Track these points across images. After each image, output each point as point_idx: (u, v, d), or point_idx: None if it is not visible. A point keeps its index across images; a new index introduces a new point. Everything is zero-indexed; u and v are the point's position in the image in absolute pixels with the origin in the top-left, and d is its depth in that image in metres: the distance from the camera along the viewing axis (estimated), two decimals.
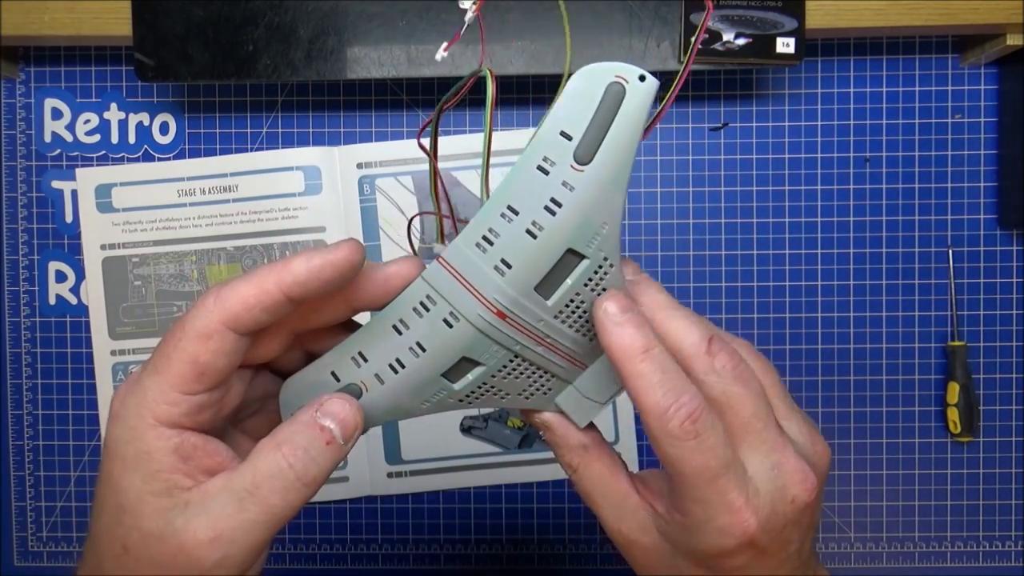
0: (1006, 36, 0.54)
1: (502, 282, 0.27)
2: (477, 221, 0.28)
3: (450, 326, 0.28)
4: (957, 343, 0.59)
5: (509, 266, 0.27)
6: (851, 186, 0.60)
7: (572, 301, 0.29)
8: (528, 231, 0.27)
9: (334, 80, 0.60)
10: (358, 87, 0.60)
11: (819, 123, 0.60)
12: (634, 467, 0.61)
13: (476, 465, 0.61)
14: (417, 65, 0.53)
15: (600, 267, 0.28)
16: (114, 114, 0.61)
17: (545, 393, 0.31)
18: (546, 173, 0.27)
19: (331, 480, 0.60)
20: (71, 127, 0.61)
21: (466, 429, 0.61)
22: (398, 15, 0.53)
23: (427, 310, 0.29)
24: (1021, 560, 0.60)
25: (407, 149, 0.60)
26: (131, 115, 0.61)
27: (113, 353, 0.61)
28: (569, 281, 0.28)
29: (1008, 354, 0.60)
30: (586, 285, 0.28)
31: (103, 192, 0.60)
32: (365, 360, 0.29)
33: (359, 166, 0.60)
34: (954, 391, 0.58)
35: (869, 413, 0.60)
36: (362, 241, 0.60)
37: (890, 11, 0.53)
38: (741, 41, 0.52)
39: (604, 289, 0.29)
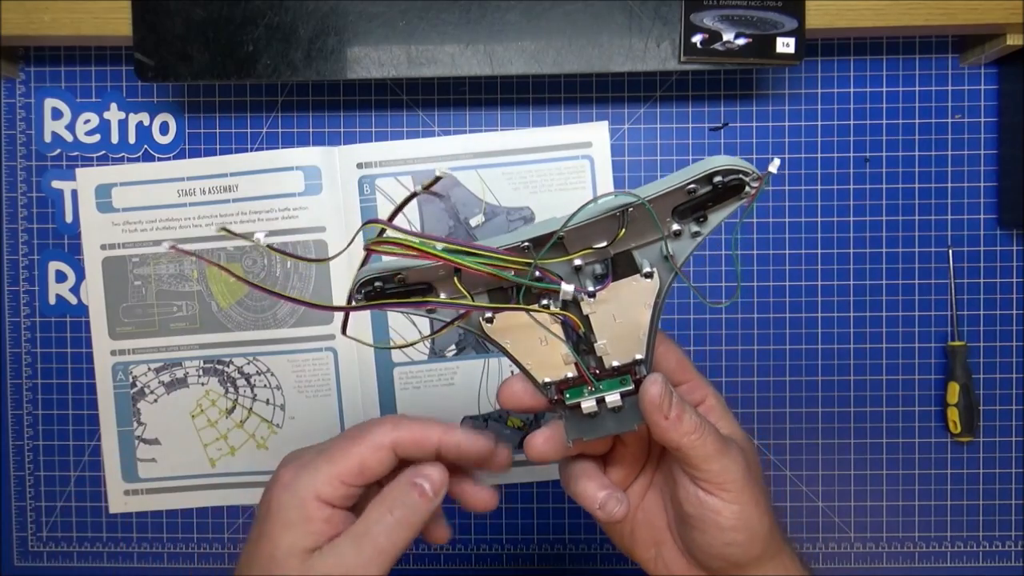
0: (1006, 36, 0.54)
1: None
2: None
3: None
4: (957, 343, 0.59)
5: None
6: (851, 186, 0.60)
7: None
8: None
9: (334, 80, 0.60)
10: (358, 87, 0.60)
11: (819, 123, 0.60)
12: None
13: None
14: (417, 65, 0.53)
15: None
16: (114, 114, 0.61)
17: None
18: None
19: None
20: (71, 127, 0.61)
21: None
22: (398, 15, 0.53)
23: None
24: (1021, 560, 0.60)
25: (407, 149, 0.60)
26: (131, 115, 0.61)
27: (113, 353, 0.61)
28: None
29: (1008, 354, 0.60)
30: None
31: (103, 192, 0.60)
32: None
33: (359, 166, 0.60)
34: (954, 391, 0.58)
35: (869, 413, 0.60)
36: (362, 241, 0.60)
37: (890, 11, 0.53)
38: (741, 41, 0.52)
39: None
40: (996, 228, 0.60)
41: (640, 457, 0.39)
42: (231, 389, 0.61)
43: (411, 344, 0.39)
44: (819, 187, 0.60)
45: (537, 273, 0.33)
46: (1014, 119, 0.57)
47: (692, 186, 0.32)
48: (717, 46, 0.52)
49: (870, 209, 0.60)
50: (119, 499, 0.62)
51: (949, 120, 0.60)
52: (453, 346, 0.60)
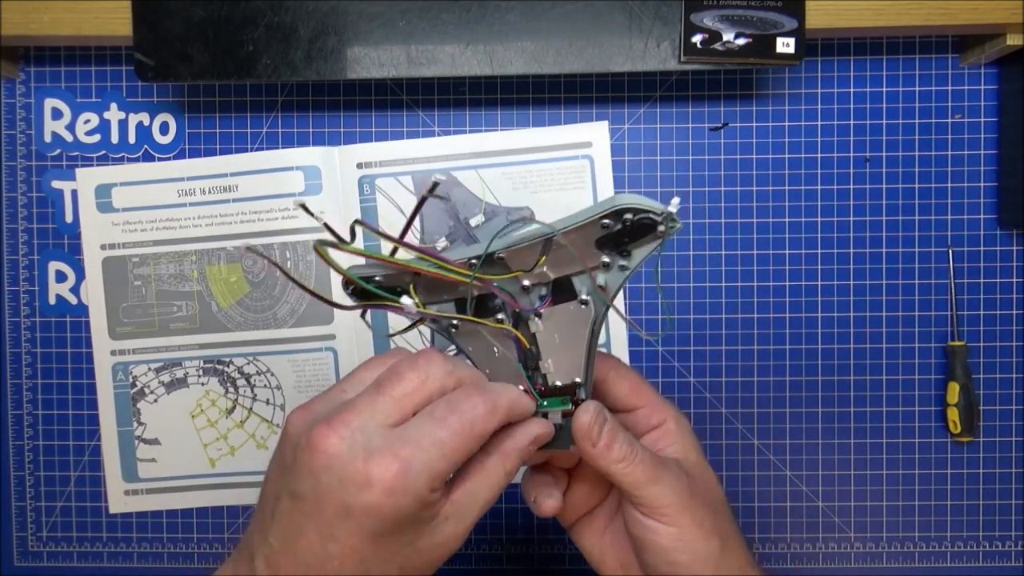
0: (1006, 36, 0.54)
1: None
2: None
3: None
4: (957, 343, 0.59)
5: None
6: (851, 186, 0.60)
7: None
8: None
9: (334, 80, 0.60)
10: (358, 87, 0.60)
11: (819, 123, 0.60)
12: None
13: None
14: (417, 65, 0.53)
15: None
16: (114, 114, 0.61)
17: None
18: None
19: None
20: (71, 127, 0.61)
21: None
22: (398, 15, 0.53)
23: None
24: (1021, 560, 0.60)
25: (407, 149, 0.60)
26: (131, 115, 0.61)
27: (113, 353, 0.61)
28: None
29: (1008, 354, 0.60)
30: None
31: (103, 192, 0.60)
32: None
33: (359, 166, 0.60)
34: (954, 391, 0.58)
35: (869, 413, 0.60)
36: (362, 240, 0.60)
37: (890, 11, 0.53)
38: (741, 41, 0.52)
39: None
40: (996, 228, 0.60)
41: (605, 480, 0.39)
42: (231, 389, 0.61)
43: (402, 332, 0.39)
44: (819, 187, 0.60)
45: (495, 288, 0.34)
46: (1014, 119, 0.57)
47: (606, 221, 0.33)
48: (717, 46, 0.52)
49: (870, 209, 0.60)
50: (119, 499, 0.62)
51: (949, 120, 0.60)
52: (453, 346, 0.60)
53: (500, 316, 0.35)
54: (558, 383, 0.36)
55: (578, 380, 0.35)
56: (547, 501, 0.37)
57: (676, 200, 0.32)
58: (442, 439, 0.31)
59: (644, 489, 0.35)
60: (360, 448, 0.31)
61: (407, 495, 0.31)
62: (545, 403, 0.35)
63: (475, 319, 0.34)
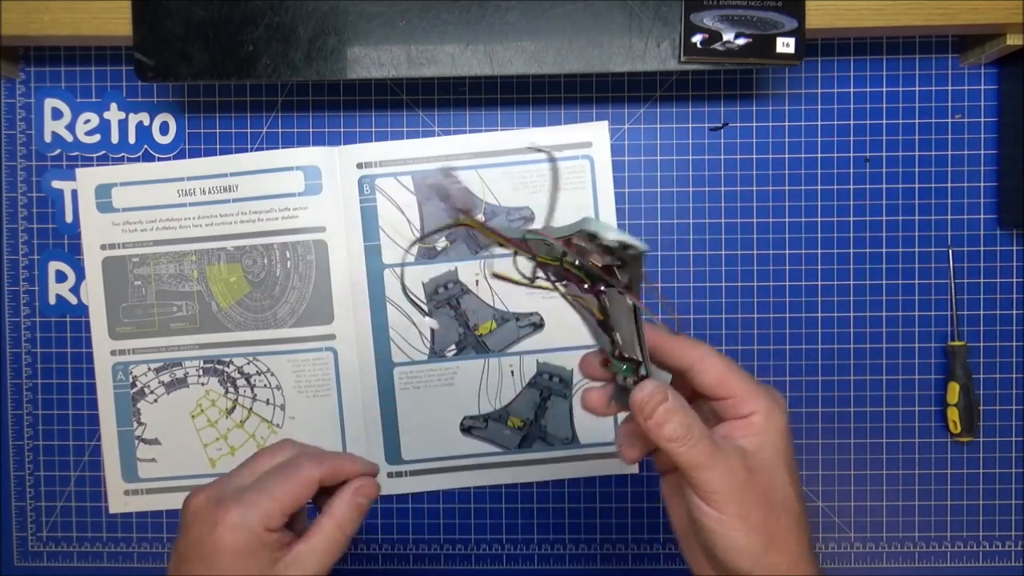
0: (1006, 36, 0.54)
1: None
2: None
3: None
4: (957, 343, 0.59)
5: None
6: (851, 186, 0.60)
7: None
8: None
9: (334, 80, 0.60)
10: (358, 87, 0.60)
11: (819, 123, 0.60)
12: (633, 468, 0.61)
13: (476, 465, 0.61)
14: (417, 65, 0.53)
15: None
16: (114, 114, 0.61)
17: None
18: None
19: None
20: (71, 127, 0.61)
21: (466, 429, 0.61)
22: (398, 15, 0.53)
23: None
24: (1021, 560, 0.60)
25: (407, 149, 0.60)
26: (131, 115, 0.61)
27: (113, 353, 0.61)
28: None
29: (1008, 354, 0.60)
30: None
31: (103, 192, 0.60)
32: None
33: (359, 166, 0.60)
34: (954, 391, 0.58)
35: (869, 413, 0.60)
36: (362, 241, 0.60)
37: (890, 11, 0.53)
38: (741, 41, 0.52)
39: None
40: (996, 228, 0.60)
41: None
42: (231, 389, 0.61)
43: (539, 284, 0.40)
44: (819, 187, 0.60)
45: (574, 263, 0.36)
46: (1014, 119, 0.57)
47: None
48: (717, 46, 0.52)
49: (870, 209, 0.60)
50: (119, 499, 0.62)
51: (949, 120, 0.60)
52: (453, 346, 0.60)
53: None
54: (626, 355, 0.38)
55: (637, 358, 0.37)
56: (627, 451, 0.41)
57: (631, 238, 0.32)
58: (272, 487, 0.41)
59: (696, 471, 0.36)
60: (215, 500, 0.41)
61: (244, 531, 0.40)
62: (623, 367, 0.37)
63: (563, 291, 0.37)
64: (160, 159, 0.61)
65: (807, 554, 0.39)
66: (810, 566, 0.39)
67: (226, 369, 0.61)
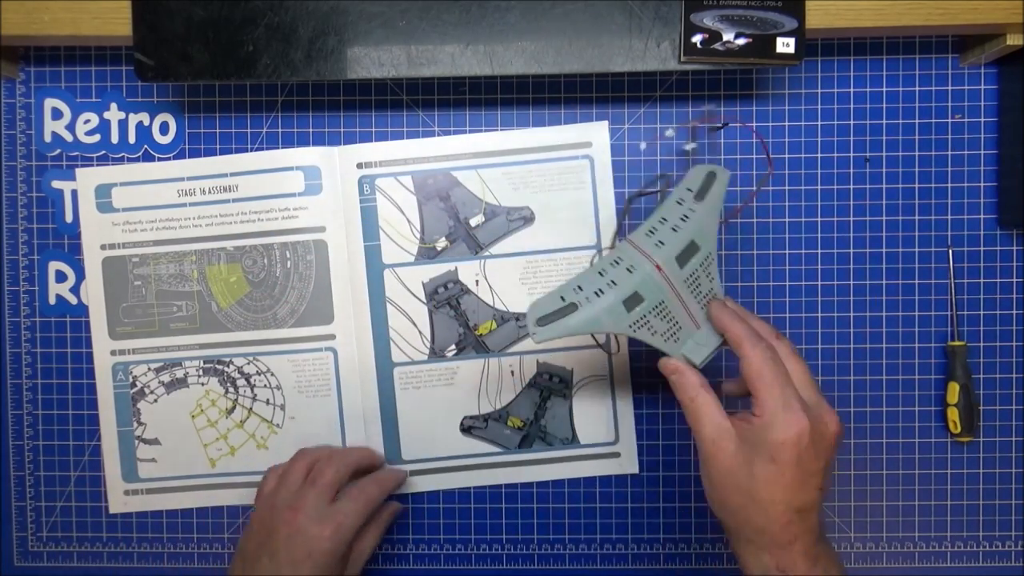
0: (1006, 36, 0.54)
1: (660, 251, 0.49)
2: (647, 222, 0.51)
3: (631, 272, 0.48)
4: (957, 343, 0.59)
5: (663, 244, 0.49)
6: (851, 186, 0.60)
7: (693, 275, 0.49)
8: (673, 228, 0.50)
9: (334, 80, 0.60)
10: (358, 87, 0.61)
11: (819, 123, 0.60)
12: (633, 467, 0.61)
13: (476, 465, 0.61)
14: (417, 65, 0.53)
15: (708, 255, 0.49)
16: (114, 114, 0.61)
17: (676, 340, 0.49)
18: (681, 204, 0.51)
19: None
20: (71, 127, 0.61)
21: (466, 429, 0.61)
22: (398, 15, 0.53)
23: (618, 263, 0.49)
24: (1021, 560, 0.60)
25: (407, 149, 0.60)
26: (131, 115, 0.61)
27: (113, 353, 0.61)
28: (693, 260, 0.49)
29: (1008, 354, 0.60)
30: (701, 266, 0.49)
31: (103, 192, 0.60)
32: (581, 289, 0.49)
33: (359, 166, 0.60)
34: (954, 391, 0.58)
35: (869, 413, 0.60)
36: (362, 241, 0.60)
37: (890, 11, 0.53)
38: (741, 41, 0.52)
39: (710, 273, 0.50)
40: (996, 228, 0.60)
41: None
42: (231, 389, 0.61)
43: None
44: (819, 187, 0.60)
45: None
46: (1014, 119, 0.57)
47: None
48: (717, 46, 0.52)
49: (870, 209, 0.60)
50: (119, 499, 0.62)
51: (949, 120, 0.60)
52: (453, 346, 0.60)
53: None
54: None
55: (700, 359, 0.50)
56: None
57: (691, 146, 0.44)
58: (356, 510, 0.54)
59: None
60: (315, 519, 0.52)
61: (342, 541, 0.52)
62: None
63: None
64: (160, 159, 0.61)
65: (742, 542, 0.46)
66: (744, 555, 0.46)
67: (226, 369, 0.61)
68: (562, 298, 0.48)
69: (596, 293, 0.48)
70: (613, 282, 0.48)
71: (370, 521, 0.56)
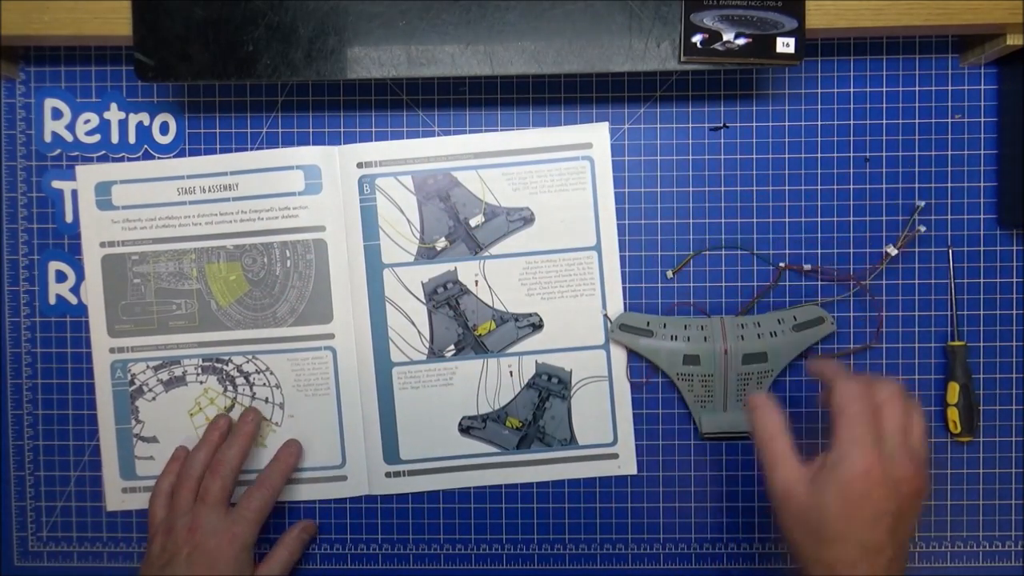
0: (1006, 36, 0.54)
1: (736, 343, 0.58)
2: (750, 316, 0.59)
3: (705, 340, 0.58)
4: (957, 343, 0.59)
5: (742, 340, 0.58)
6: (851, 186, 0.60)
7: (749, 375, 0.58)
8: (758, 335, 0.58)
9: (334, 80, 0.60)
10: (358, 87, 0.61)
11: (819, 123, 0.60)
12: (631, 469, 0.61)
13: (475, 465, 0.61)
14: (417, 65, 0.53)
15: (770, 371, 0.58)
16: (114, 114, 0.61)
17: (702, 406, 0.59)
18: (780, 323, 0.59)
19: (328, 479, 0.61)
20: (71, 127, 0.61)
21: (464, 429, 0.61)
22: (398, 15, 0.53)
23: (703, 328, 0.58)
24: (1021, 560, 0.60)
25: (407, 149, 0.60)
26: (131, 115, 0.61)
27: (112, 351, 0.61)
28: (756, 366, 0.58)
29: (1008, 354, 0.60)
30: (759, 374, 0.58)
31: (103, 190, 0.60)
32: (665, 327, 0.59)
33: (359, 166, 0.60)
34: (954, 391, 0.58)
35: None
36: (362, 240, 0.60)
37: (890, 11, 0.53)
38: (741, 41, 0.52)
39: (762, 384, 0.58)
40: (996, 228, 0.60)
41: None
42: (230, 387, 0.61)
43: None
44: (819, 187, 0.60)
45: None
46: (1014, 119, 0.57)
47: None
48: (717, 46, 0.52)
49: (870, 209, 0.60)
50: (116, 496, 0.62)
51: (949, 120, 0.60)
52: (452, 346, 0.60)
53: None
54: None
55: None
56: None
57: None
58: (255, 509, 0.56)
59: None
60: (211, 533, 0.54)
61: (242, 547, 0.55)
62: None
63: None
64: (160, 159, 0.61)
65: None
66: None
67: (225, 367, 0.61)
68: (648, 323, 0.58)
69: (671, 337, 0.58)
70: (689, 338, 0.58)
71: (278, 545, 0.59)
